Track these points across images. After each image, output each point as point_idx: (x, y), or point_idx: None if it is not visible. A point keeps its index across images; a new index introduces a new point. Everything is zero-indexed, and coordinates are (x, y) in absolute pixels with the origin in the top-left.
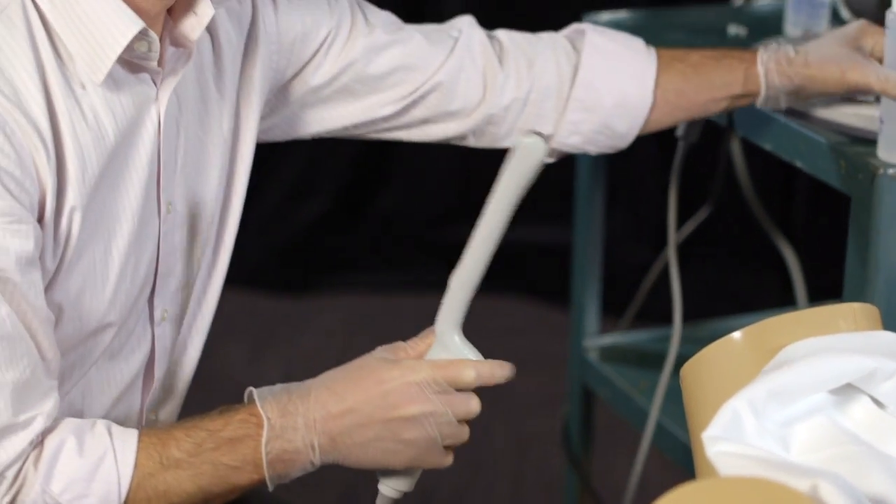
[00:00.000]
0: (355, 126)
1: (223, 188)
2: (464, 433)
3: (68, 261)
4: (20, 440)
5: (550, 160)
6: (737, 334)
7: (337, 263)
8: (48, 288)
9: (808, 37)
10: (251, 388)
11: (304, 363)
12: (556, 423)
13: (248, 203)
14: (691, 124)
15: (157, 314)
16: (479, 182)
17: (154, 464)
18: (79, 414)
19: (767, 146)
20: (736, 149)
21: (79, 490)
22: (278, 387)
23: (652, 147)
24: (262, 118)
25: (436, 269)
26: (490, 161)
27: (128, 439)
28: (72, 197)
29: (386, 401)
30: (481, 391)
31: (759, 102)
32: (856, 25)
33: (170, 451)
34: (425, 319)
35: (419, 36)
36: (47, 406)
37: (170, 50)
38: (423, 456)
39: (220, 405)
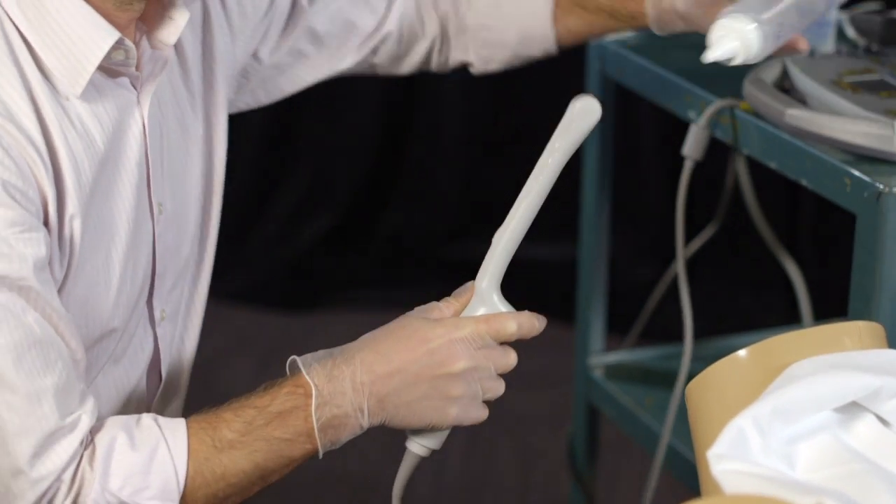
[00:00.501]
0: (319, 81)
1: (204, 184)
2: (501, 387)
3: (73, 269)
4: (70, 442)
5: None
6: (742, 352)
7: (344, 280)
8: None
9: (813, 56)
10: (294, 357)
11: None
12: (562, 440)
13: (253, 220)
14: (696, 142)
15: (157, 314)
16: (487, 199)
17: (207, 448)
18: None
19: (773, 164)
20: (741, 167)
21: (137, 484)
22: (321, 352)
23: (657, 165)
24: (228, 101)
25: (443, 286)
26: (498, 179)
27: (178, 427)
28: (71, 205)
29: (432, 359)
30: (488, 407)
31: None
32: None
33: (221, 433)
34: None
35: None
36: (89, 404)
37: (147, 53)
38: (466, 411)
39: None
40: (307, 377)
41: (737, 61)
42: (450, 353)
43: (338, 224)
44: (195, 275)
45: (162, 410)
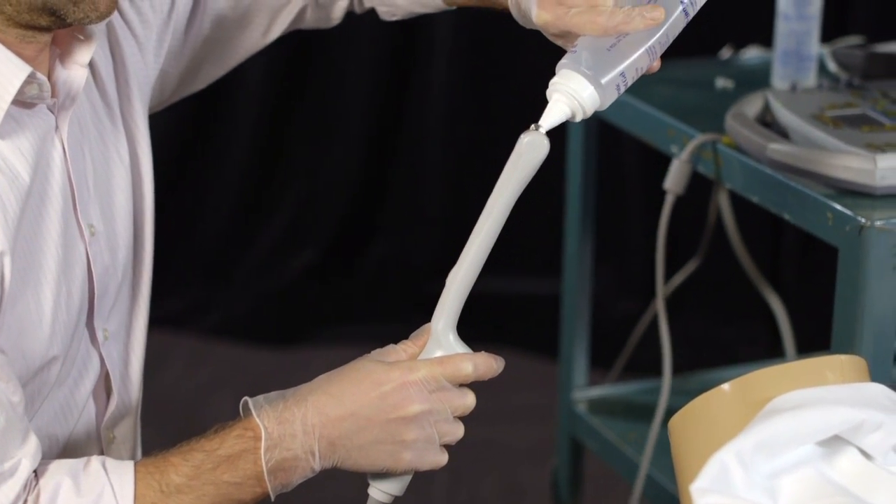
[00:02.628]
0: (248, 58)
1: (133, 200)
2: (459, 430)
3: (5, 305)
4: (11, 487)
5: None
6: (725, 386)
7: (329, 314)
8: None
9: (795, 90)
10: (246, 398)
11: None
12: (546, 474)
13: (239, 254)
14: (678, 176)
15: (100, 335)
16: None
17: (154, 493)
18: (43, 442)
19: (755, 198)
20: (724, 201)
21: None
22: (273, 394)
23: (640, 199)
24: (157, 103)
25: (428, 319)
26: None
27: (124, 472)
28: None
29: (385, 402)
30: (470, 442)
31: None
32: None
33: (169, 478)
34: None
35: None
36: (30, 448)
37: (61, 77)
38: (421, 456)
39: None
40: (257, 419)
41: (575, 120)
42: (403, 396)
43: (322, 258)
44: (132, 292)
45: (113, 429)
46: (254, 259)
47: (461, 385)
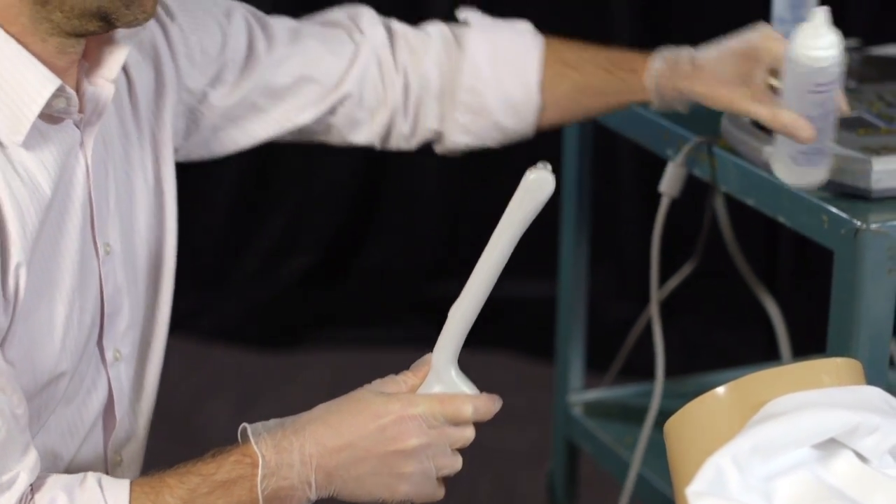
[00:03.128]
0: (271, 138)
1: (156, 220)
2: (457, 463)
3: (18, 316)
4: (7, 500)
5: (458, 155)
6: (721, 389)
7: (322, 319)
8: (0, 346)
9: None
10: (245, 425)
11: None
12: (542, 477)
13: (234, 259)
14: (674, 179)
15: (109, 355)
16: (466, 236)
17: None
18: (46, 459)
19: (750, 201)
20: (720, 204)
21: None
22: (272, 422)
23: (635, 202)
24: (179, 145)
25: (422, 323)
26: (477, 217)
27: (119, 492)
28: (15, 255)
29: (383, 434)
30: (466, 447)
31: (655, 108)
32: (758, 35)
33: (164, 499)
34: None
35: (317, 44)
36: (28, 461)
37: (89, 92)
38: (418, 489)
39: None
40: (255, 447)
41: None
42: (402, 430)
43: (316, 263)
44: (151, 318)
45: (119, 451)
46: (248, 264)
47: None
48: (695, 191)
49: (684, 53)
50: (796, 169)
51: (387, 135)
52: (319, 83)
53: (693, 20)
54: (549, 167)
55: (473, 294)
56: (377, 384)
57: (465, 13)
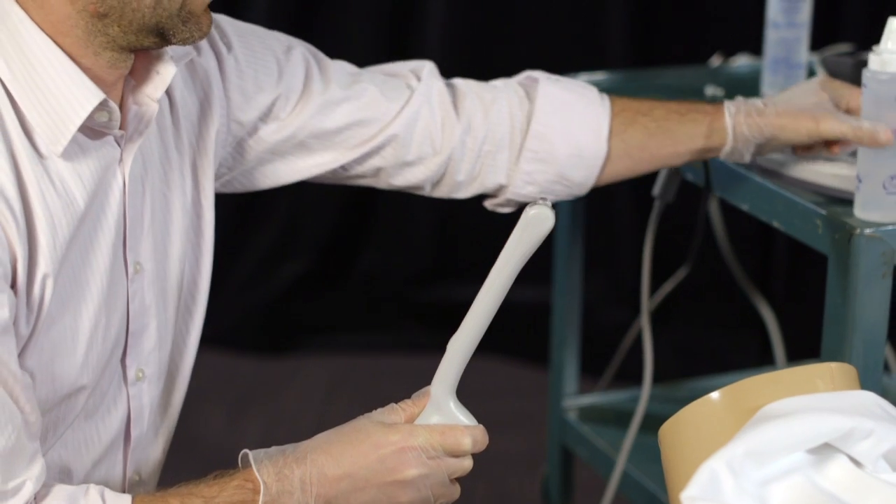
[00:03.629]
0: (313, 177)
1: (191, 244)
2: (455, 492)
3: (41, 326)
4: None
5: (509, 210)
6: (715, 394)
7: (317, 324)
8: (20, 354)
9: None
10: (246, 451)
11: (285, 425)
12: (536, 482)
13: (228, 264)
14: (668, 183)
15: (131, 374)
16: (460, 242)
17: None
18: (60, 475)
19: (744, 206)
20: (714, 209)
21: None
22: (274, 449)
23: (630, 207)
24: (220, 174)
25: (417, 329)
26: (471, 222)
27: None
28: (43, 265)
29: (383, 465)
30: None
31: (723, 155)
32: (819, 79)
33: None
34: (406, 380)
35: (374, 89)
36: (35, 470)
37: (132, 110)
38: None
39: (198, 467)
40: (257, 473)
41: None
42: (401, 460)
43: (312, 268)
44: (182, 340)
45: (137, 472)
46: (243, 269)
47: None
48: (689, 196)
49: (755, 100)
50: (887, 199)
51: (438, 181)
52: (369, 125)
53: (687, 24)
54: (549, 202)
55: (472, 327)
56: (377, 414)
57: (530, 71)
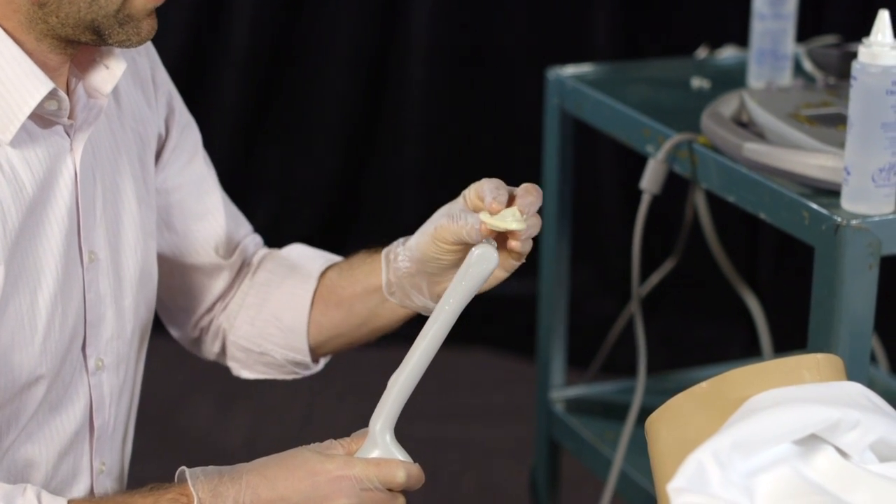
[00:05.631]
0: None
1: (144, 233)
2: None
3: None
4: None
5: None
6: (702, 385)
7: None
8: None
9: (770, 89)
10: (183, 468)
11: (271, 418)
12: (524, 474)
13: None
14: (654, 175)
15: (91, 363)
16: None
17: None
18: (25, 469)
19: (731, 198)
20: (701, 201)
21: None
22: (211, 468)
23: (616, 199)
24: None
25: (404, 323)
26: None
27: None
28: None
29: (316, 492)
30: (449, 442)
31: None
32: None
33: None
34: (390, 371)
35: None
36: None
37: (81, 101)
38: None
39: (186, 459)
40: (192, 488)
41: None
42: (334, 489)
43: None
44: (136, 328)
45: (101, 458)
46: None
47: (391, 490)
48: (675, 187)
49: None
50: (875, 191)
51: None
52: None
53: (674, 15)
54: (494, 244)
55: (415, 364)
56: (316, 446)
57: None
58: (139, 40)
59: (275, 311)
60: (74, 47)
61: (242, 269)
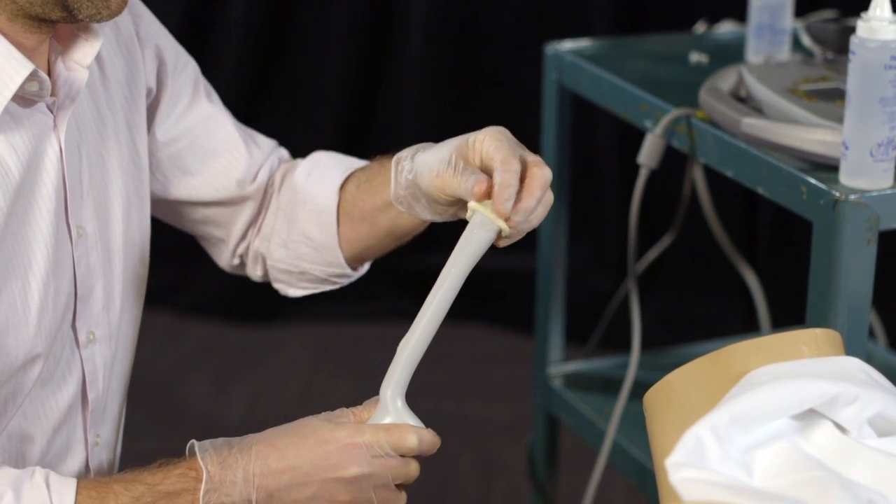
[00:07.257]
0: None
1: (133, 204)
2: (400, 499)
3: None
4: None
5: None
6: (700, 360)
7: None
8: None
9: (769, 64)
10: (193, 441)
11: (270, 393)
12: (522, 449)
13: None
14: (652, 150)
15: (83, 337)
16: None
17: None
18: (20, 444)
19: (729, 173)
20: (699, 175)
21: None
22: (220, 440)
23: (614, 174)
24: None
25: (401, 297)
26: None
27: (65, 492)
28: None
29: (327, 460)
30: (447, 417)
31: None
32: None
33: None
34: (389, 347)
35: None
36: None
37: (63, 76)
38: None
39: (185, 435)
40: (200, 462)
41: None
42: (345, 457)
43: None
44: (125, 299)
45: (95, 431)
46: None
47: (404, 455)
48: (673, 162)
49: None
50: (874, 165)
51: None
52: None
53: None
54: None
55: (422, 330)
56: (326, 414)
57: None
58: (109, 14)
59: (304, 230)
60: (49, 25)
61: (268, 190)
